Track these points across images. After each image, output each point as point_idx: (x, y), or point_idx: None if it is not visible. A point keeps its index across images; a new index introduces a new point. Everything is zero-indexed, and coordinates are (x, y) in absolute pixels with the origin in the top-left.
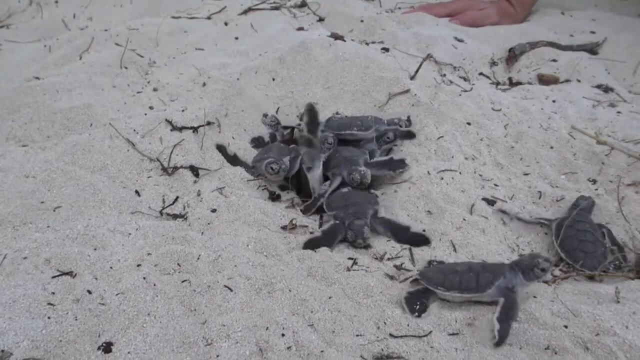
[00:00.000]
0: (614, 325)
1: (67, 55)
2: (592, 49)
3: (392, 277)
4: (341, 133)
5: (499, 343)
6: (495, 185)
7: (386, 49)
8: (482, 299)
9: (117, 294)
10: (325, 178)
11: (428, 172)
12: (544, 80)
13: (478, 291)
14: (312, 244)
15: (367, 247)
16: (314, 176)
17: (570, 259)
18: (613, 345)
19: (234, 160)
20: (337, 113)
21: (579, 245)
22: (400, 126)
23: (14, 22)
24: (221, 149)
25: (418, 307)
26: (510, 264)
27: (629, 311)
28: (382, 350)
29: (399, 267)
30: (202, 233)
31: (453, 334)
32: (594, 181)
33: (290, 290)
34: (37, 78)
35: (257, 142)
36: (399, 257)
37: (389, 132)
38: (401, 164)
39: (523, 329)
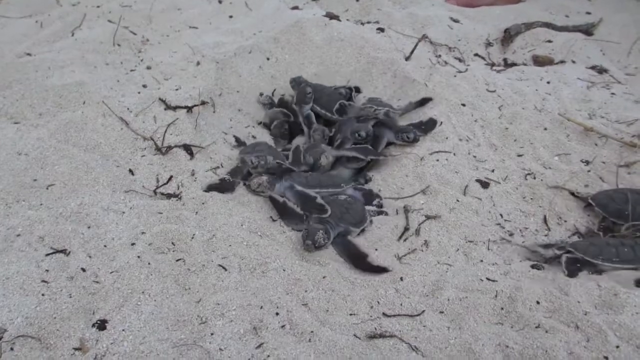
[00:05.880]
0: None
1: (58, 32)
2: (587, 30)
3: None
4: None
5: None
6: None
7: (381, 29)
8: (637, 269)
9: (111, 272)
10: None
11: (422, 154)
12: (539, 61)
13: (637, 262)
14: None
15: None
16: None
17: None
18: (603, 323)
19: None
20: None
21: None
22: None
23: None
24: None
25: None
26: None
27: None
28: (376, 329)
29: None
30: (197, 212)
31: (445, 313)
32: (587, 162)
33: (284, 270)
34: (29, 54)
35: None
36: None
37: (409, 132)
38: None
39: (514, 308)
